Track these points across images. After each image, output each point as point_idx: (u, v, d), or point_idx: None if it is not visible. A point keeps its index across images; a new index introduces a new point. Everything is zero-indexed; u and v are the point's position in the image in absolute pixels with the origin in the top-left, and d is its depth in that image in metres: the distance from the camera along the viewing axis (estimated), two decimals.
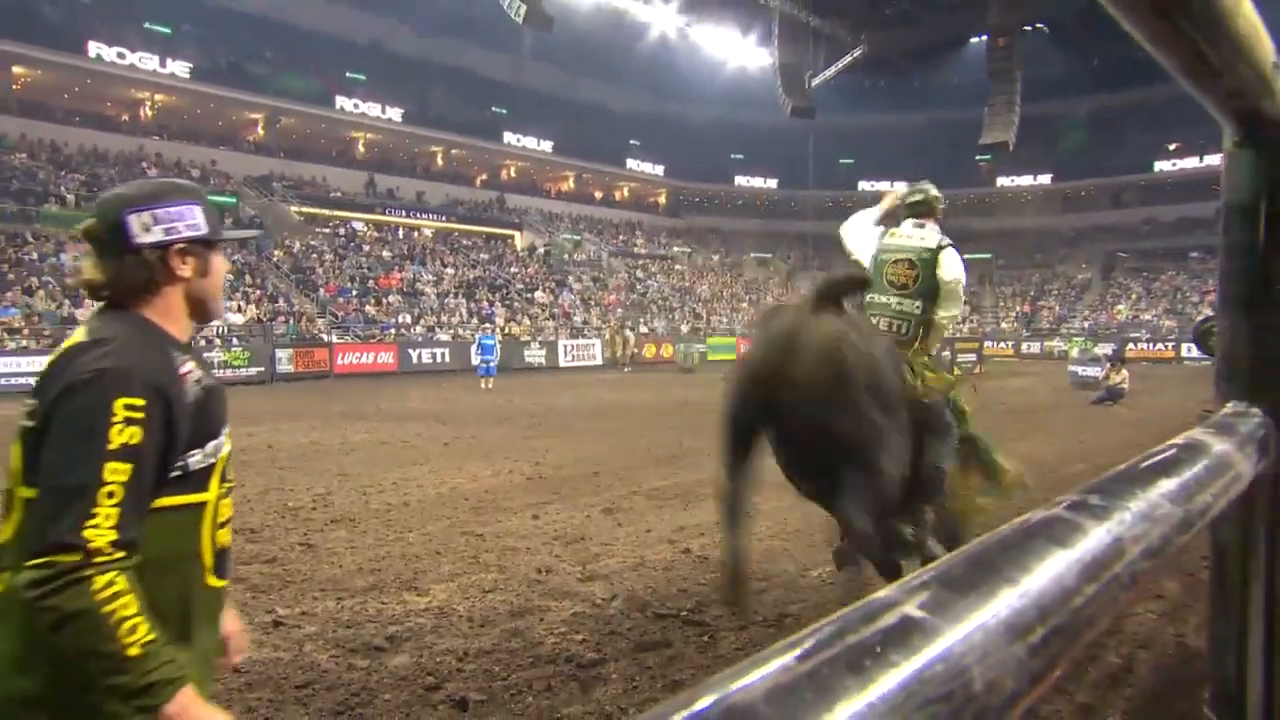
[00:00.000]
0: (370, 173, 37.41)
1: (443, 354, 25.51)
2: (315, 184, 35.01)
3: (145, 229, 1.43)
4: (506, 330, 28.34)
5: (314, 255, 29.34)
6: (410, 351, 24.92)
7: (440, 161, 41.76)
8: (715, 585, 4.65)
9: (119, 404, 1.30)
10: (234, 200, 30.24)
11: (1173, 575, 4.54)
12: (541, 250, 38.69)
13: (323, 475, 7.96)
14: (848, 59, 36.98)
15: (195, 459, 1.41)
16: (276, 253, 28.32)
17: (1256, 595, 0.91)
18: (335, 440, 10.33)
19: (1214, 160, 41.83)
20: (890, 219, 4.07)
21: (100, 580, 1.23)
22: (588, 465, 8.49)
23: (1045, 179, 47.95)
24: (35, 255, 22.45)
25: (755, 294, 43.71)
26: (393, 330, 26.34)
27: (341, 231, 32.62)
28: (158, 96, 32.92)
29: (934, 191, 4.02)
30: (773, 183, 50.50)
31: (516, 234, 39.75)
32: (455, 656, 3.71)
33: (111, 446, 1.28)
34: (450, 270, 32.49)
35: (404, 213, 36.41)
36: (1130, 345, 31.41)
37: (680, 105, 47.52)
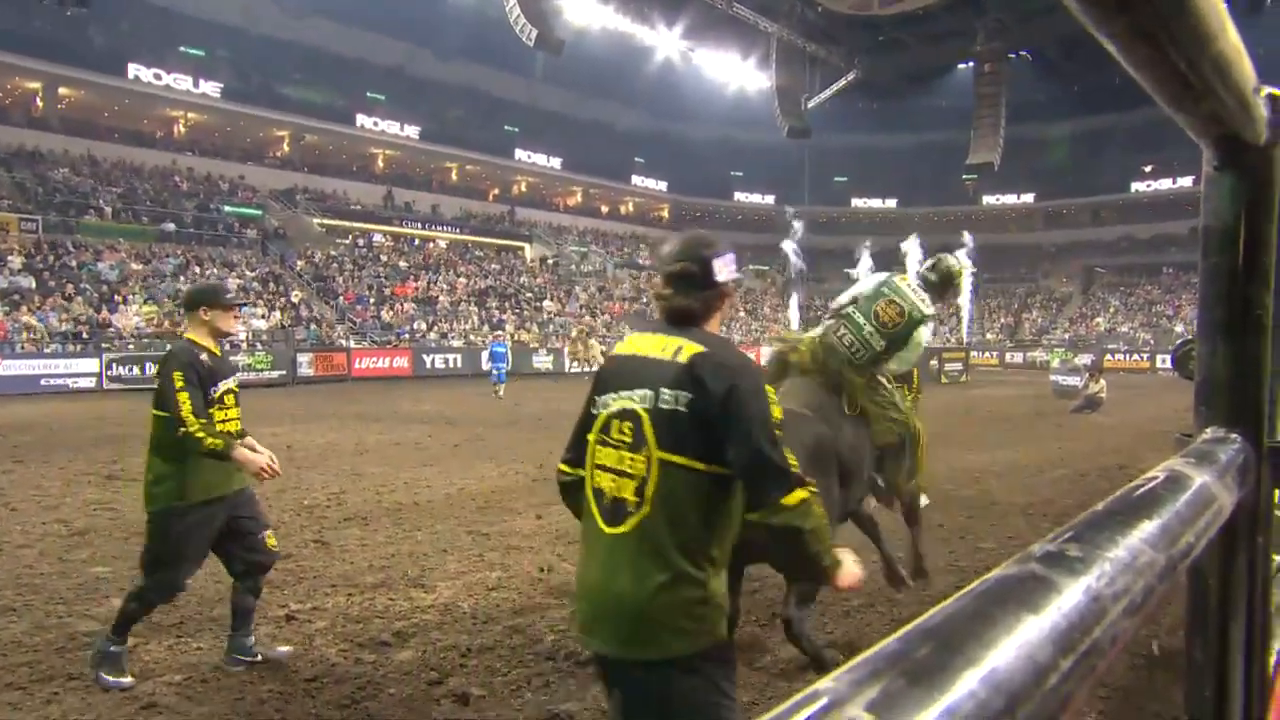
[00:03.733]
0: (389, 187, 37.45)
1: (455, 359, 25.47)
2: (336, 197, 35.06)
3: (719, 271, 1.86)
4: (515, 337, 28.29)
5: (334, 264, 29.35)
6: (424, 357, 24.88)
7: (455, 177, 41.82)
8: None
9: (769, 389, 1.79)
10: (260, 212, 30.30)
11: None
12: (550, 261, 38.70)
13: (338, 475, 7.91)
14: (842, 82, 37.04)
15: None
16: (299, 262, 28.34)
17: (1236, 637, 0.84)
18: (351, 441, 10.29)
19: (1186, 182, 41.86)
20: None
21: (816, 502, 1.71)
22: None
23: (1028, 197, 47.91)
24: (75, 263, 22.49)
25: (752, 304, 43.65)
26: (408, 336, 26.31)
27: (361, 242, 32.65)
28: (191, 115, 33.05)
29: (954, 268, 4.27)
30: (770, 199, 50.47)
31: (526, 246, 39.75)
32: (459, 652, 3.66)
33: (775, 419, 1.74)
34: (463, 280, 32.47)
35: (420, 225, 36.43)
36: (1108, 356, 31.25)
37: (683, 125, 47.57)
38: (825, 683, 0.33)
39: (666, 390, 1.73)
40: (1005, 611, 0.39)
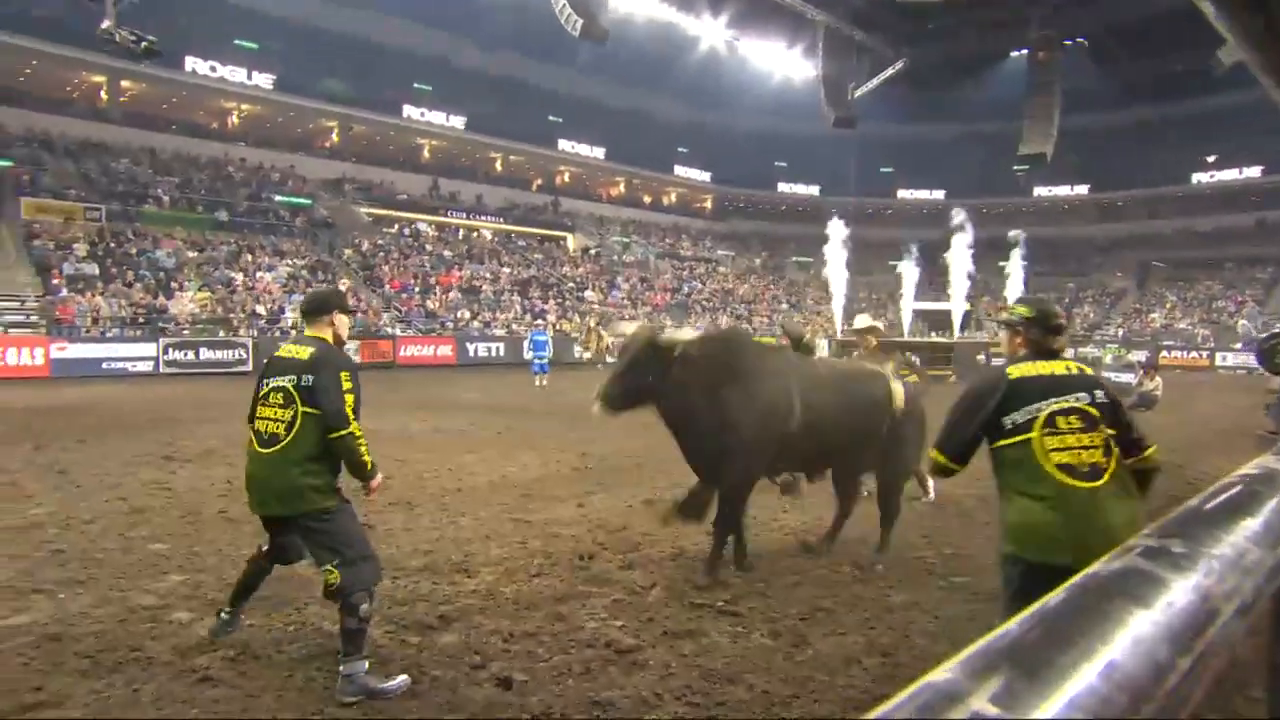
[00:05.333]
0: (434, 177, 37.91)
1: (498, 348, 25.73)
2: (383, 187, 35.62)
3: None
4: (557, 327, 28.44)
5: (381, 253, 29.84)
6: (468, 345, 25.18)
7: (499, 167, 42.14)
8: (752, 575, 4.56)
9: None
10: (310, 202, 30.93)
11: None
12: (593, 251, 38.78)
13: (382, 460, 7.93)
14: (889, 71, 36.26)
15: None
16: (347, 251, 28.88)
17: None
18: (395, 427, 10.43)
19: (1253, 173, 40.14)
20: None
21: None
22: (631, 457, 8.42)
23: (1082, 189, 46.51)
24: (134, 251, 23.25)
25: (795, 296, 43.21)
26: (452, 325, 26.64)
27: (407, 231, 33.14)
28: (244, 106, 33.85)
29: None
30: (814, 189, 49.83)
31: (569, 236, 39.92)
32: (501, 637, 3.70)
33: None
34: (506, 269, 32.76)
35: (464, 215, 36.85)
36: (1164, 353, 30.21)
37: (726, 114, 47.18)
38: (941, 674, 0.31)
39: (1098, 392, 2.61)
40: (1114, 605, 0.37)
